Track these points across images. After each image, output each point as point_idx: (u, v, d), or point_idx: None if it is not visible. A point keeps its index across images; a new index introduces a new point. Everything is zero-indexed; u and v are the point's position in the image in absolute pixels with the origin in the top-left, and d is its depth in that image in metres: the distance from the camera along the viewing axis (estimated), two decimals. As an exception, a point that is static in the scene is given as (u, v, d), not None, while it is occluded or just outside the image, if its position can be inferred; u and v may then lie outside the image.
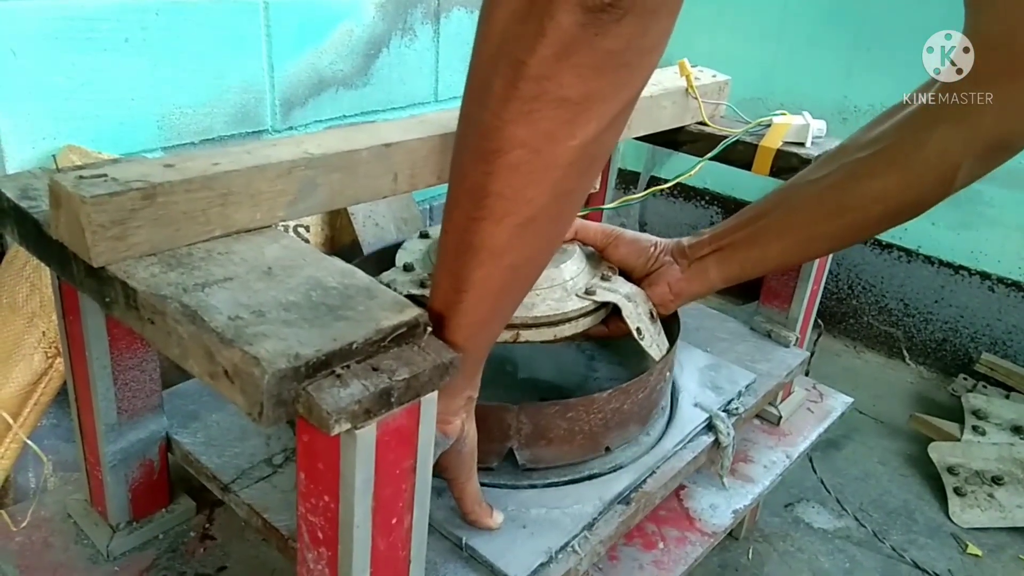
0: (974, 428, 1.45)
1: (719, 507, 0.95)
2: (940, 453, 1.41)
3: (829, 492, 1.34)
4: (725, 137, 1.08)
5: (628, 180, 2.08)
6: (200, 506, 0.87)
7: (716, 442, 0.90)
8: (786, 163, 1.03)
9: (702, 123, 1.12)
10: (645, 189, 2.03)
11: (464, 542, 0.72)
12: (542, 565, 0.70)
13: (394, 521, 0.54)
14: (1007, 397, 1.57)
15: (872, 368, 1.79)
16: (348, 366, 0.49)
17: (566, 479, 0.80)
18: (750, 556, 1.22)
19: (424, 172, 0.76)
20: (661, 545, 0.89)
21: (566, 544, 0.73)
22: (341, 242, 1.28)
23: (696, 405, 0.92)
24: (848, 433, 1.54)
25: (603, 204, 1.30)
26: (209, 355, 0.48)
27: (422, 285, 0.79)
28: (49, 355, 0.89)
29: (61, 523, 0.83)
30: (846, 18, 1.66)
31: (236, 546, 0.83)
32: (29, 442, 0.86)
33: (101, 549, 0.80)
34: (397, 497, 0.53)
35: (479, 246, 0.52)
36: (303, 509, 0.54)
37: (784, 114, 1.08)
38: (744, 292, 1.72)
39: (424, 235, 0.90)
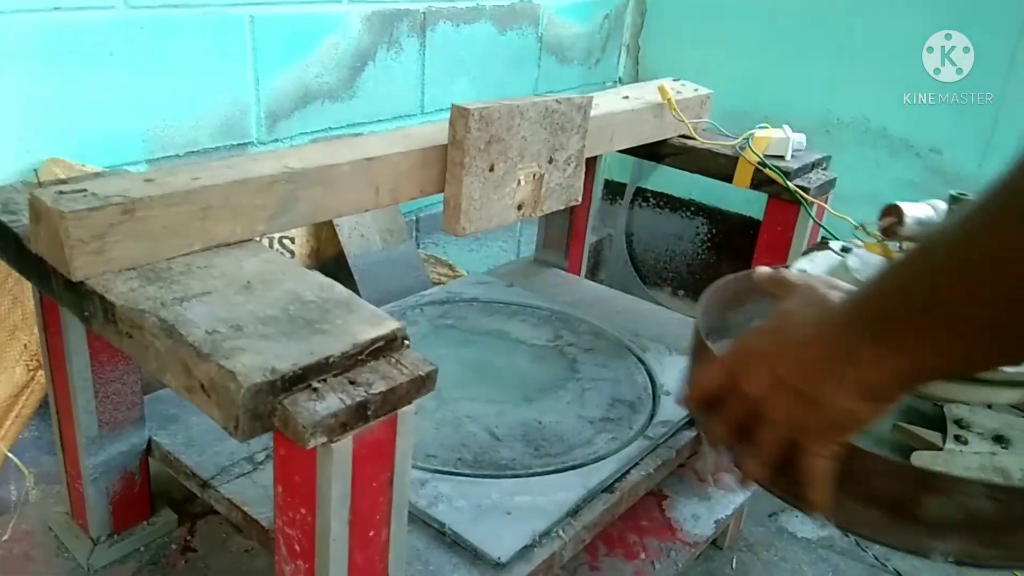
0: (956, 437, 1.46)
1: (701, 517, 0.96)
2: (922, 462, 1.42)
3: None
4: (707, 150, 1.10)
5: (615, 191, 2.09)
6: (182, 519, 0.86)
7: (698, 438, 0.90)
8: (766, 176, 1.04)
9: (685, 136, 1.13)
10: (631, 200, 2.04)
11: (448, 527, 0.72)
12: (526, 548, 0.71)
13: (371, 534, 0.54)
14: (989, 407, 1.58)
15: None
16: (325, 380, 0.49)
17: (550, 469, 0.81)
18: (734, 566, 1.23)
19: (406, 185, 0.77)
20: (643, 555, 0.90)
21: (550, 529, 0.73)
22: (326, 254, 1.29)
23: (679, 401, 0.94)
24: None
25: (587, 215, 1.32)
26: (186, 369, 0.49)
27: None
28: (31, 368, 0.88)
29: (42, 536, 0.83)
30: (830, 32, 1.67)
31: (217, 558, 0.83)
32: (10, 455, 0.86)
33: (82, 562, 0.80)
34: (375, 510, 0.53)
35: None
36: (280, 522, 0.54)
37: (766, 127, 1.09)
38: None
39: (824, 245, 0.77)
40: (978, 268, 0.37)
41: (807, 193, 1.03)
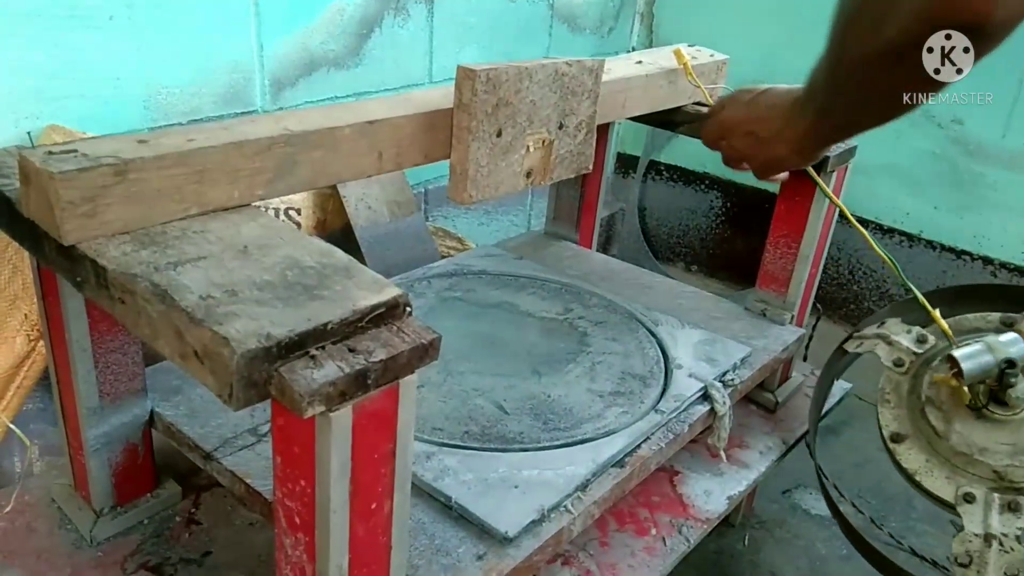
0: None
1: (713, 493, 0.94)
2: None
3: (827, 478, 1.33)
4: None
5: (628, 165, 2.05)
6: (186, 491, 0.85)
7: (712, 412, 0.88)
8: (784, 144, 1.01)
9: (700, 103, 1.09)
10: (645, 173, 2.01)
11: (454, 501, 0.71)
12: (534, 523, 0.69)
13: (373, 507, 0.52)
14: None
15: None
16: (323, 347, 0.47)
17: (558, 443, 0.79)
18: (746, 542, 1.22)
19: (410, 150, 0.74)
20: (654, 531, 0.88)
21: (558, 503, 0.72)
22: (333, 226, 1.27)
23: (691, 376, 0.91)
24: (847, 419, 1.53)
25: (599, 186, 1.29)
26: (179, 335, 0.47)
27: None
28: (31, 338, 0.87)
29: (45, 508, 0.82)
30: (849, -2, 1.63)
31: (222, 531, 0.82)
32: (12, 426, 0.85)
33: (84, 534, 0.79)
34: (376, 482, 0.52)
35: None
36: (280, 494, 0.52)
37: (783, 94, 1.05)
38: (742, 277, 1.70)
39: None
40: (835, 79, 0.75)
41: (825, 163, 1.00)
